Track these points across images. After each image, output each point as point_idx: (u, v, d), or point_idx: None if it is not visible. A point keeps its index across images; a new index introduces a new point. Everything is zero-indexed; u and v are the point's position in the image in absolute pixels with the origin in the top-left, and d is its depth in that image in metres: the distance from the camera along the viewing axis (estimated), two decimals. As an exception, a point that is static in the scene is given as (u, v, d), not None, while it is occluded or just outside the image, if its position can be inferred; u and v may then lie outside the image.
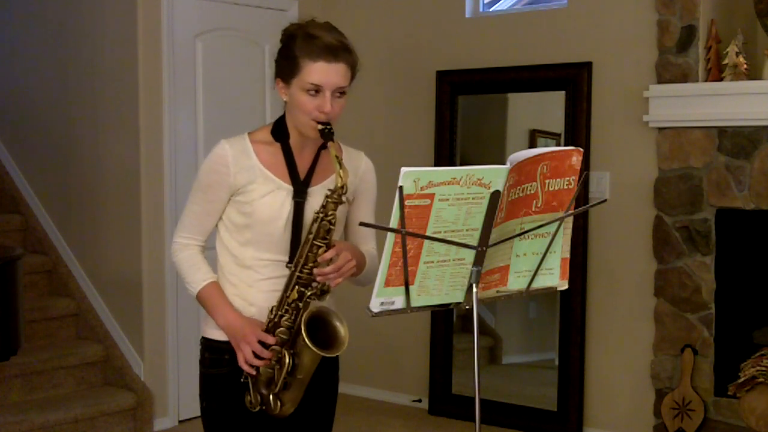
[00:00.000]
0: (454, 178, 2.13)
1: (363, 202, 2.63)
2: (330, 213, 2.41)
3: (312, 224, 2.42)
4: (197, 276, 2.53)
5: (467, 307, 2.31)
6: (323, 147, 2.51)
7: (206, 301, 2.53)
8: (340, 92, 2.43)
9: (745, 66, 4.37)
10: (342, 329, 2.44)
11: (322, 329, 2.43)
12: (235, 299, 2.52)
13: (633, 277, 4.76)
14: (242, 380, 2.48)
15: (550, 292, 2.44)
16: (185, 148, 5.10)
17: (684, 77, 4.50)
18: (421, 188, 2.10)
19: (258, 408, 2.48)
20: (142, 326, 5.02)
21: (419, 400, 5.49)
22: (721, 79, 4.42)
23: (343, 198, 2.43)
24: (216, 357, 2.55)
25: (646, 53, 4.64)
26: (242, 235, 2.51)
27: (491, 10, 5.39)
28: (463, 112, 5.30)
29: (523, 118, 5.31)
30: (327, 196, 2.42)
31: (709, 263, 4.48)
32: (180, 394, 5.15)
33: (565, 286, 2.43)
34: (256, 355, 2.43)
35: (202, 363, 2.60)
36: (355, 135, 5.74)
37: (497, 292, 2.36)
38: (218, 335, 2.53)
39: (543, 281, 2.40)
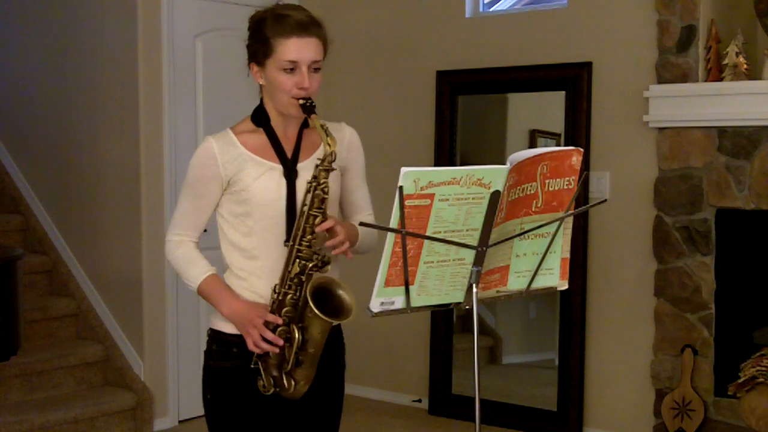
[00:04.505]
0: (454, 178, 2.13)
1: (354, 171, 2.63)
2: (322, 182, 2.40)
3: (306, 195, 2.42)
4: (196, 270, 2.52)
5: (467, 307, 2.31)
6: (306, 125, 2.52)
7: (208, 294, 2.51)
8: (316, 67, 2.45)
9: (745, 66, 4.37)
10: (347, 297, 2.42)
11: (327, 300, 2.41)
12: (245, 293, 2.50)
13: (633, 277, 4.75)
14: (252, 366, 2.44)
15: (550, 292, 2.44)
16: (185, 148, 5.09)
17: (684, 77, 4.50)
18: (421, 188, 2.10)
19: (272, 391, 2.44)
20: (142, 326, 5.02)
21: (419, 400, 5.49)
22: (721, 79, 4.42)
23: (334, 165, 2.42)
24: (224, 350, 2.52)
25: (646, 53, 4.64)
26: (244, 224, 2.49)
27: (491, 10, 5.39)
28: (463, 112, 5.30)
29: (523, 118, 5.30)
30: (317, 166, 2.42)
31: (709, 263, 4.48)
32: (180, 394, 5.15)
33: (565, 286, 2.43)
34: (265, 339, 2.40)
35: (209, 355, 2.56)
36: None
37: (497, 292, 2.36)
38: (227, 328, 2.50)
39: (543, 281, 2.40)
